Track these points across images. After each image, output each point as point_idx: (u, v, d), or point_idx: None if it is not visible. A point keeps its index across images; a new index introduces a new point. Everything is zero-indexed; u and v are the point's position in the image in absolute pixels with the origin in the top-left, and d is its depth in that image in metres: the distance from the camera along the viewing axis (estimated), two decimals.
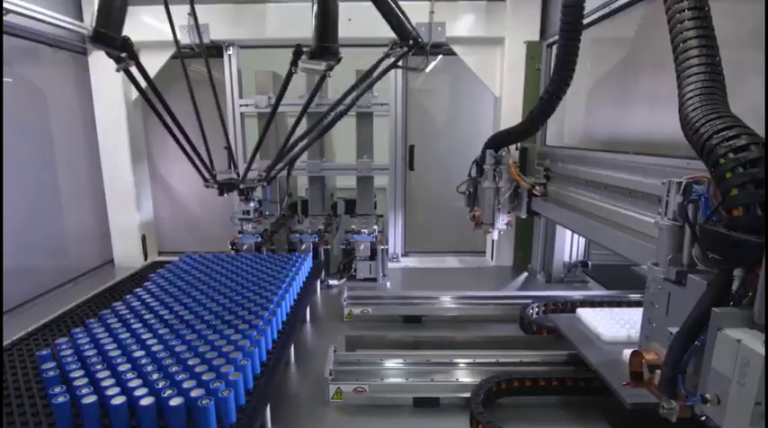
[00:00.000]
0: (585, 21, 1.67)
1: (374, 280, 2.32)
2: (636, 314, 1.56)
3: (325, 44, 1.32)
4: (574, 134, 2.22)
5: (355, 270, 2.32)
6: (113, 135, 2.49)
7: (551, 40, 2.27)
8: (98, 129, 2.49)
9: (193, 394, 1.03)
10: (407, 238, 2.85)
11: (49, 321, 1.61)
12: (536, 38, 2.35)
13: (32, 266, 2.16)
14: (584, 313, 1.57)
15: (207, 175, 1.83)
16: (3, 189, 1.70)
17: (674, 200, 0.89)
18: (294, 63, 1.44)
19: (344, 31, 2.32)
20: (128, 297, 1.64)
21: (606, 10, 1.77)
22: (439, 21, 2.32)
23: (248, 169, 2.06)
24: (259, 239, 2.30)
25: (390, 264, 2.55)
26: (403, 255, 2.80)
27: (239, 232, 2.41)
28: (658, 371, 0.85)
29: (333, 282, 2.29)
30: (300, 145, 2.08)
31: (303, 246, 2.30)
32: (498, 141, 2.16)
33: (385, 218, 2.84)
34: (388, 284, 2.32)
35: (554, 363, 1.42)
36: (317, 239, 2.33)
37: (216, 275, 1.85)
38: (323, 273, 2.32)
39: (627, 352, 1.25)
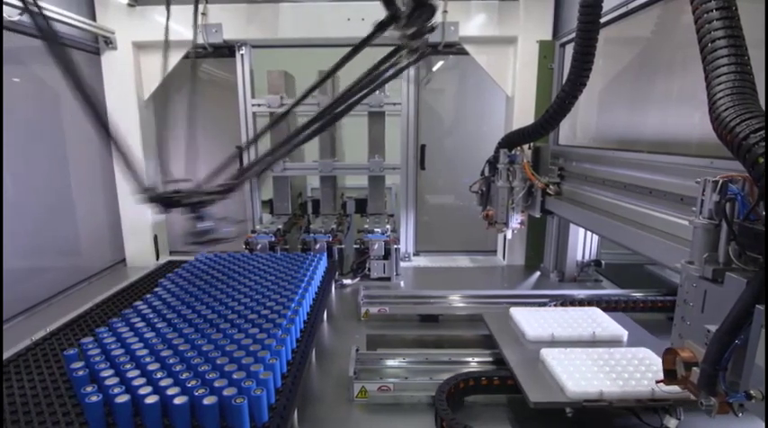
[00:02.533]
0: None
1: (388, 279, 2.32)
2: (567, 314, 1.59)
3: None
4: (586, 133, 2.22)
5: (369, 269, 2.32)
6: (126, 134, 2.48)
7: (564, 39, 2.28)
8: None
9: (226, 392, 1.03)
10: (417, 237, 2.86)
11: (71, 320, 1.61)
12: (549, 37, 2.35)
13: (47, 266, 2.16)
14: (516, 312, 1.59)
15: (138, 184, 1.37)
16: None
17: (709, 198, 0.89)
18: (383, 28, 1.23)
19: (355, 30, 2.36)
20: (148, 296, 1.64)
21: (624, 9, 1.78)
22: (452, 20, 2.32)
23: (212, 176, 1.61)
24: (273, 238, 2.31)
25: (402, 264, 2.55)
26: (414, 255, 2.81)
27: (252, 231, 2.42)
28: (695, 369, 0.86)
29: (347, 282, 2.29)
30: (282, 150, 1.64)
31: (317, 246, 2.31)
32: (512, 140, 2.16)
33: (396, 217, 2.85)
34: (402, 283, 2.33)
35: None
36: (330, 238, 2.33)
37: (234, 274, 1.85)
38: (337, 273, 2.32)
39: (544, 351, 1.31)
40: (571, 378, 1.17)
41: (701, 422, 1.19)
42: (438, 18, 2.32)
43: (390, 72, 1.48)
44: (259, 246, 2.28)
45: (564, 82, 1.80)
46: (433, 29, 1.31)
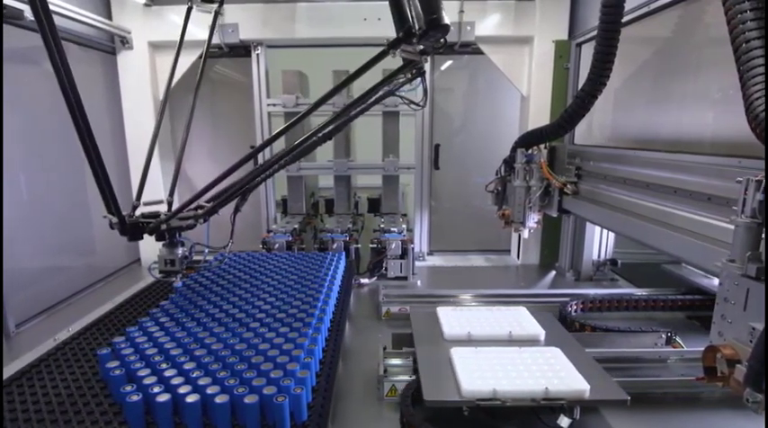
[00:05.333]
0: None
1: (404, 278, 2.33)
2: (492, 313, 1.58)
3: (434, 16, 1.16)
4: (603, 132, 2.23)
5: (386, 268, 2.32)
6: (141, 134, 2.49)
7: (581, 39, 2.29)
8: (126, 129, 2.49)
9: (266, 391, 1.04)
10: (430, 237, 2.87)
11: (97, 320, 1.62)
12: (565, 37, 2.36)
13: (64, 266, 2.16)
14: (441, 312, 1.58)
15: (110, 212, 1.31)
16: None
17: (752, 197, 0.90)
18: (395, 46, 1.26)
19: (371, 30, 2.37)
20: (173, 296, 1.64)
21: (645, 9, 1.78)
22: (468, 20, 2.33)
23: (171, 193, 1.64)
24: (290, 238, 2.31)
25: (416, 263, 2.56)
26: (428, 254, 2.81)
27: (268, 231, 2.42)
28: (738, 366, 0.87)
29: (364, 281, 2.30)
30: (283, 160, 1.56)
31: (335, 245, 2.31)
32: (529, 140, 2.17)
33: (409, 216, 2.86)
34: (419, 282, 2.33)
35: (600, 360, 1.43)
36: (347, 238, 2.34)
37: (256, 274, 1.85)
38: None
39: (455, 351, 1.28)
40: (469, 376, 1.15)
41: (596, 422, 1.20)
42: (454, 18, 2.34)
43: (387, 89, 1.50)
44: (276, 246, 2.28)
45: (584, 81, 1.80)
46: (444, 44, 1.30)
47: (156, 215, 1.34)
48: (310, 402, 1.11)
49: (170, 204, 1.58)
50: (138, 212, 1.44)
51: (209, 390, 1.04)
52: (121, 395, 1.05)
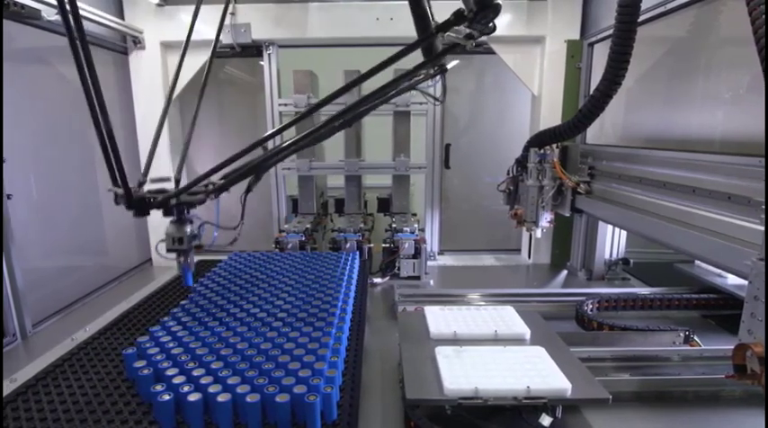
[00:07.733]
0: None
1: (417, 278, 2.33)
2: (479, 313, 1.53)
3: None
4: (615, 131, 2.24)
5: (398, 268, 2.33)
6: (153, 134, 2.48)
7: (593, 38, 2.29)
8: (137, 129, 2.49)
9: (296, 390, 1.04)
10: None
11: (116, 320, 1.62)
12: (576, 36, 2.37)
13: (78, 266, 2.16)
14: (428, 311, 1.55)
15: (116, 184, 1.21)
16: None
17: None
18: (445, 28, 1.14)
19: (383, 30, 2.37)
20: (192, 295, 1.65)
21: (661, 9, 1.79)
22: None
23: (179, 171, 1.53)
24: (303, 238, 2.31)
25: (428, 262, 2.56)
26: (439, 254, 2.82)
27: (281, 231, 2.42)
28: None
29: (377, 280, 2.30)
30: (288, 143, 1.42)
31: (348, 245, 2.32)
32: (543, 139, 2.17)
33: (417, 215, 2.86)
34: (431, 282, 2.34)
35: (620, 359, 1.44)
36: (360, 238, 2.34)
37: (272, 273, 1.85)
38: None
39: (438, 349, 1.26)
40: (452, 375, 1.14)
41: (577, 421, 1.19)
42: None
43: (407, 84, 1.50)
44: (290, 246, 2.28)
45: (599, 81, 1.81)
46: (494, 29, 1.25)
47: (163, 192, 1.27)
48: (338, 401, 1.12)
49: (177, 182, 1.48)
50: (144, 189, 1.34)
51: (240, 389, 1.05)
52: (151, 394, 1.05)
